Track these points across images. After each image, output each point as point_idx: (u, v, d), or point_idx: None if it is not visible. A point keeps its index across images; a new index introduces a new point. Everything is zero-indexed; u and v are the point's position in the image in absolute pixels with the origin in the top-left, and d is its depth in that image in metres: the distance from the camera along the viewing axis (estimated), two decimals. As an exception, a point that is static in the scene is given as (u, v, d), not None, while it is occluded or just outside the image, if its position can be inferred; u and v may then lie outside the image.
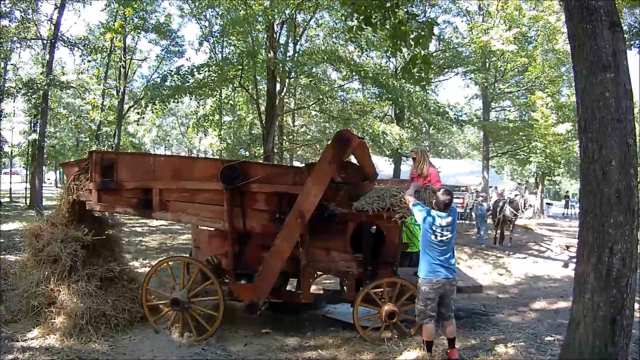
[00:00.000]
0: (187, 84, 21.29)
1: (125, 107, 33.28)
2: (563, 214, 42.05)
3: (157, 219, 10.43)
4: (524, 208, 20.39)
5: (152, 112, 23.32)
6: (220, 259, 8.96)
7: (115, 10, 28.68)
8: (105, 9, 29.07)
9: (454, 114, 29.62)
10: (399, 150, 25.72)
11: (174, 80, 21.29)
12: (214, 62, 23.61)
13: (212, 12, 26.45)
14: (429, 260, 7.07)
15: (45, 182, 36.57)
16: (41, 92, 25.97)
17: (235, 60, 22.87)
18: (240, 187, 8.33)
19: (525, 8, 29.07)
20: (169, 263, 8.97)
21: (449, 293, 7.10)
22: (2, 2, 24.00)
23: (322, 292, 10.47)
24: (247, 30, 21.69)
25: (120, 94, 32.57)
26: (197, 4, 26.48)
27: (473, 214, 21.20)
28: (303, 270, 8.59)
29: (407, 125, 31.07)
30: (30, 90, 26.08)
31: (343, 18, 19.61)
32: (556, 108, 29.94)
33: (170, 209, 8.76)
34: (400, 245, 9.24)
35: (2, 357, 7.33)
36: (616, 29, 5.24)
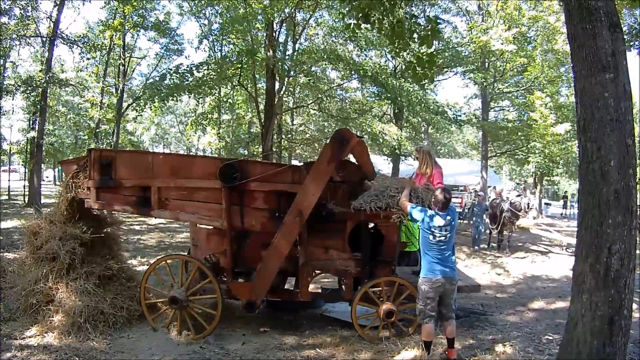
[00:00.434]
0: (186, 82, 21.27)
1: (124, 105, 33.30)
2: (561, 214, 42.07)
3: (155, 217, 10.42)
4: (527, 209, 19.99)
5: (151, 110, 23.32)
6: (218, 258, 8.97)
7: (114, 8, 28.69)
8: (104, 6, 29.14)
9: (453, 114, 29.64)
10: (397, 150, 25.72)
11: (173, 79, 21.28)
12: (213, 60, 23.58)
13: (211, 10, 26.46)
14: (428, 260, 7.08)
15: (43, 180, 36.51)
16: (40, 89, 25.89)
17: (235, 58, 22.85)
18: (239, 185, 8.33)
19: (525, 8, 29.03)
20: (168, 261, 8.96)
21: (449, 293, 7.10)
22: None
23: (320, 290, 10.49)
24: (247, 28, 21.69)
25: (119, 92, 32.58)
26: (196, 2, 26.47)
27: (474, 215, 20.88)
28: (301, 268, 8.61)
29: (405, 124, 31.09)
30: (29, 88, 26.02)
31: (342, 16, 19.60)
32: (555, 108, 29.96)
33: (169, 207, 8.75)
34: (399, 245, 9.24)
35: (0, 355, 7.33)
36: (616, 30, 5.24)
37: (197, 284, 8.65)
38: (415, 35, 7.46)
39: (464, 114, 34.61)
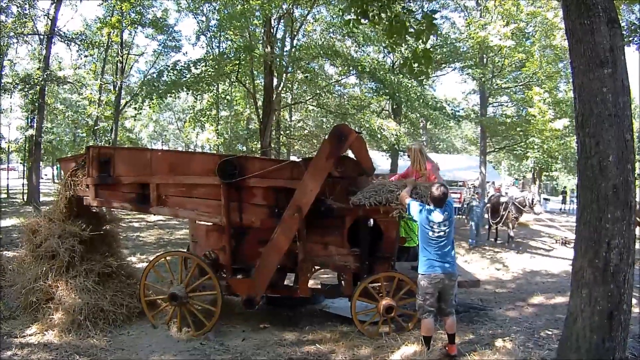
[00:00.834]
0: (184, 79, 21.26)
1: (122, 102, 33.28)
2: (560, 209, 42.06)
3: (154, 214, 10.42)
4: (532, 204, 19.60)
5: (149, 107, 23.30)
6: (217, 254, 8.96)
7: (112, 5, 28.63)
8: (102, 4, 29.02)
9: (451, 109, 29.56)
10: (396, 146, 25.70)
11: (171, 75, 21.27)
12: (211, 56, 23.56)
13: (209, 6, 26.34)
14: (427, 256, 7.07)
15: (42, 178, 36.45)
16: (38, 87, 25.89)
17: (232, 55, 22.82)
18: (237, 181, 8.34)
19: (523, 4, 28.95)
20: (167, 258, 8.98)
21: (449, 288, 7.09)
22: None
23: (319, 286, 10.51)
24: (244, 24, 21.63)
25: (117, 89, 32.56)
26: (194, -2, 26.47)
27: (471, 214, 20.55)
28: (300, 264, 8.62)
29: (404, 120, 31.06)
30: (27, 86, 26.02)
31: (340, 12, 19.55)
32: (553, 104, 29.87)
33: (168, 203, 8.77)
34: (398, 240, 9.24)
35: (0, 353, 7.34)
36: (614, 25, 5.24)
37: (196, 280, 8.67)
38: (412, 30, 7.45)
39: (463, 109, 34.57)
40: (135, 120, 38.36)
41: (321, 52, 22.35)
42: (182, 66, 21.43)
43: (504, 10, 27.69)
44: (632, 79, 5.52)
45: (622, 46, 5.36)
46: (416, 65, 7.55)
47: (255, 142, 27.75)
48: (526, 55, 28.71)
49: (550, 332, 7.98)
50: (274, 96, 24.03)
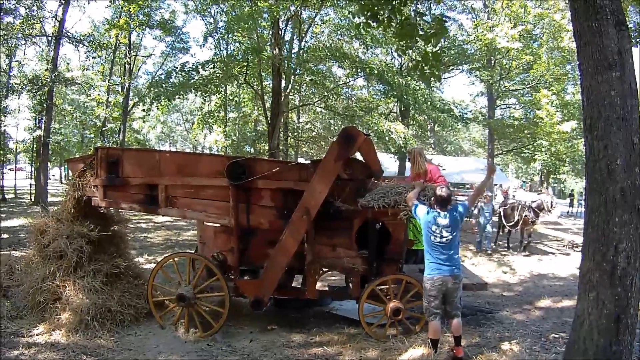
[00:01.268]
0: (192, 81, 21.33)
1: (130, 103, 33.36)
2: (567, 212, 41.91)
3: (162, 215, 10.46)
4: (550, 208, 19.21)
5: (157, 108, 23.38)
6: (225, 255, 8.98)
7: (120, 6, 28.73)
8: (110, 5, 29.17)
9: (459, 112, 29.49)
10: (404, 148, 25.67)
11: (179, 77, 21.34)
12: (219, 58, 23.61)
13: (216, 8, 26.42)
14: (429, 259, 7.11)
15: (50, 178, 36.58)
16: (46, 88, 25.99)
17: (240, 56, 22.89)
18: (246, 183, 8.35)
19: (530, 5, 29.00)
20: (175, 259, 9.00)
21: (453, 291, 7.08)
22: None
23: (327, 288, 10.49)
24: (252, 26, 21.66)
25: (125, 90, 32.65)
26: (201, 0, 26.49)
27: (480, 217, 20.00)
28: (308, 266, 8.62)
29: (412, 122, 31.06)
30: (35, 87, 26.12)
31: (350, 15, 19.58)
32: (561, 106, 29.88)
33: (176, 205, 8.79)
34: (406, 242, 9.23)
35: (7, 352, 7.36)
36: (622, 28, 5.23)
37: (204, 281, 8.68)
38: (422, 33, 7.45)
39: (470, 111, 34.64)
40: (143, 121, 38.48)
41: (329, 54, 22.38)
42: (190, 68, 21.51)
43: (511, 12, 27.73)
44: (641, 81, 5.53)
45: (630, 49, 5.35)
46: (427, 68, 7.55)
47: (263, 144, 27.78)
48: (534, 58, 28.70)
49: (557, 336, 7.96)
50: (282, 98, 24.07)
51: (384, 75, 22.69)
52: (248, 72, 23.50)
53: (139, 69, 37.70)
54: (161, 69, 34.04)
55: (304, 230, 8.27)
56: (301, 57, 22.60)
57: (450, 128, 27.87)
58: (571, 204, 43.06)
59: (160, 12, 31.61)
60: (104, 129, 33.10)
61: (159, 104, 21.79)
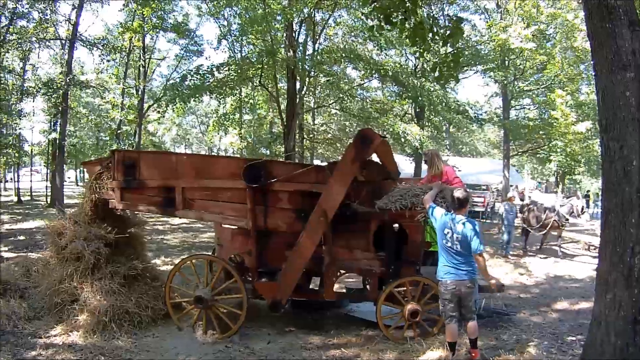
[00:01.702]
0: (207, 83, 21.38)
1: (145, 106, 33.47)
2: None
3: (180, 217, 10.49)
4: (581, 212, 18.62)
5: (173, 111, 23.47)
6: (243, 257, 8.98)
7: (133, 10, 28.82)
8: (123, 9, 29.24)
9: (474, 113, 29.36)
10: (420, 150, 25.60)
11: (194, 80, 21.40)
12: (234, 61, 23.66)
13: (230, 11, 26.43)
14: (442, 262, 7.12)
15: (65, 181, 36.78)
16: (61, 91, 26.11)
17: (255, 59, 22.94)
18: (263, 185, 8.33)
19: (543, 5, 28.86)
20: (193, 261, 9.00)
21: (466, 295, 7.04)
22: (20, 2, 24.19)
23: (345, 290, 10.48)
24: (266, 29, 21.71)
25: (139, 93, 32.75)
26: (214, 3, 26.52)
27: (502, 219, 19.41)
28: (326, 268, 8.60)
29: (427, 124, 30.98)
30: (50, 90, 26.24)
31: (364, 17, 19.53)
32: (576, 106, 29.75)
33: (194, 207, 8.80)
34: (423, 244, 9.21)
35: (25, 353, 7.38)
36: (635, 28, 5.20)
37: (222, 283, 8.68)
38: (437, 37, 7.42)
39: (485, 112, 34.50)
40: (158, 124, 38.60)
41: (343, 55, 22.37)
42: (204, 70, 21.56)
43: (524, 12, 27.59)
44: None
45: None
46: (445, 69, 7.52)
47: (279, 146, 27.80)
48: (547, 58, 28.56)
49: (574, 338, 7.94)
50: (297, 100, 24.08)
51: (399, 77, 22.66)
52: (263, 74, 23.55)
53: (153, 72, 37.85)
54: (175, 72, 34.09)
55: (322, 232, 8.25)
56: (315, 59, 22.59)
57: (465, 129, 27.74)
58: (587, 205, 42.80)
59: (173, 15, 31.71)
60: (119, 131, 33.20)
61: (174, 107, 21.84)
